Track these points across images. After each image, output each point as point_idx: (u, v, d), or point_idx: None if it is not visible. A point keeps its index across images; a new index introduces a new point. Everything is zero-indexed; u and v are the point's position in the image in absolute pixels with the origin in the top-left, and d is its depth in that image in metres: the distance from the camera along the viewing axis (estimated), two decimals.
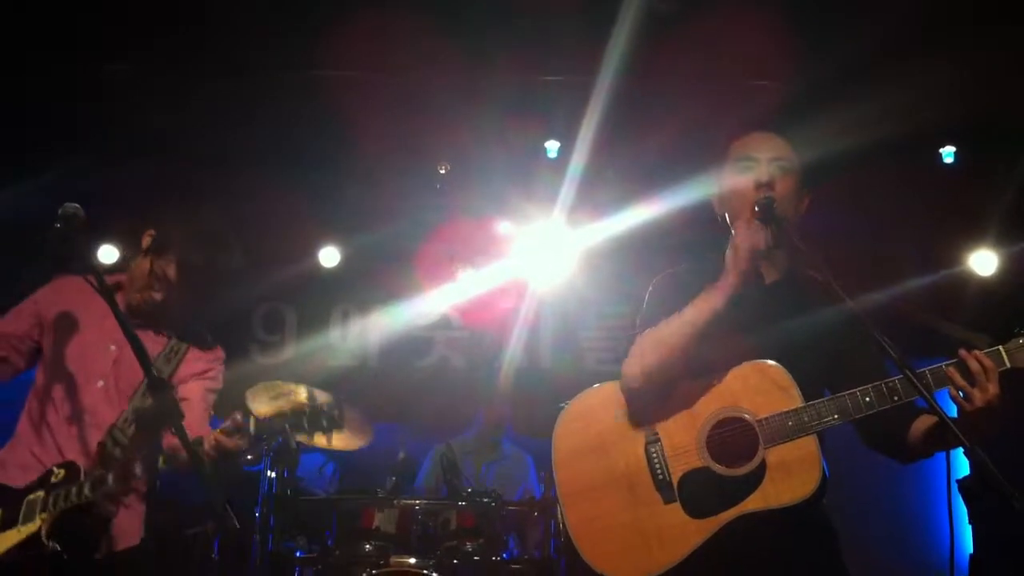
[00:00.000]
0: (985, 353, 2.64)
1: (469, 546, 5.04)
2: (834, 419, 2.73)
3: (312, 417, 3.24)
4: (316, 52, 5.79)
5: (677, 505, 2.79)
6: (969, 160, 6.65)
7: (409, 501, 5.24)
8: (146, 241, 3.51)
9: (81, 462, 3.30)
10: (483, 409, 6.76)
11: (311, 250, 7.40)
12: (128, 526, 3.42)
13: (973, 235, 6.89)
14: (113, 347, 3.48)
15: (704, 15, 5.32)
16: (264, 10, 5.47)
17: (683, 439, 2.85)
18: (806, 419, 2.74)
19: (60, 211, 3.16)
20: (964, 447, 2.40)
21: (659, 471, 2.84)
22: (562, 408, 3.05)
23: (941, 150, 6.66)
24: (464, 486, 5.44)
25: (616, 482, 2.88)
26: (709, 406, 2.86)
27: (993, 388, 2.60)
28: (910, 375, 2.55)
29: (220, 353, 3.72)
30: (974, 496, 5.52)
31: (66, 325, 3.50)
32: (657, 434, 2.88)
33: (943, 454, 2.85)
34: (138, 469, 3.17)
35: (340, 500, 5.52)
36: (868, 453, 2.99)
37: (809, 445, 2.74)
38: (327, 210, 7.22)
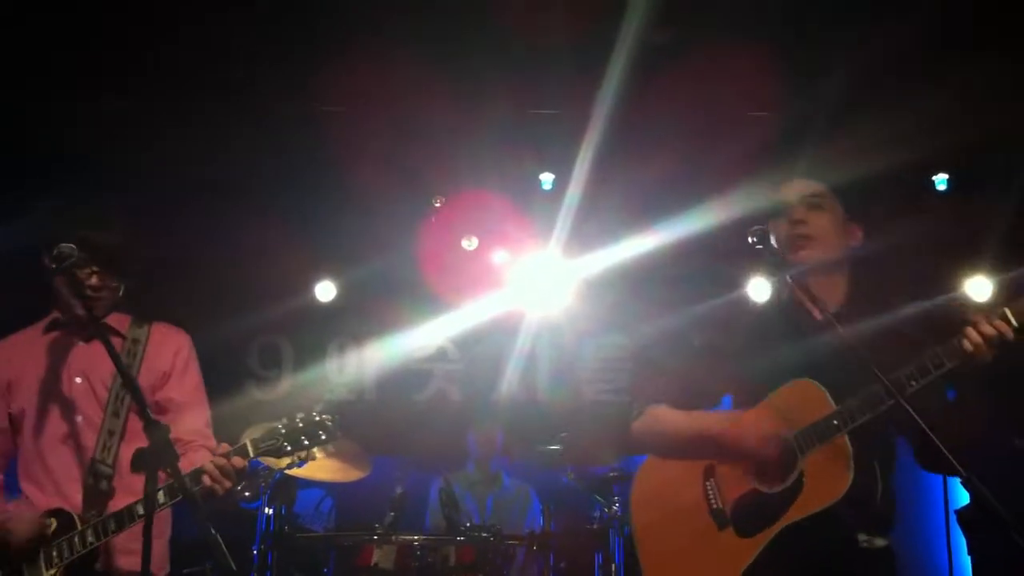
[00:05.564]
0: (994, 320, 2.76)
1: None
2: (864, 415, 2.83)
3: (308, 429, 3.21)
4: (311, 86, 5.82)
5: (730, 529, 2.99)
6: (963, 187, 6.67)
7: (408, 537, 5.22)
8: (48, 262, 3.37)
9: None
10: (472, 435, 6.76)
11: (307, 284, 7.39)
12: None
13: (968, 261, 6.89)
14: (79, 379, 3.47)
15: (697, 48, 5.35)
16: (259, 43, 5.50)
17: (735, 465, 3.03)
18: (835, 422, 2.86)
19: (55, 251, 3.17)
20: (961, 477, 2.45)
21: (713, 500, 3.05)
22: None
23: (934, 177, 6.68)
24: (462, 521, 5.42)
25: (679, 520, 3.11)
26: (756, 427, 3.01)
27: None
28: (895, 392, 2.70)
29: (182, 337, 3.66)
30: (973, 527, 5.47)
31: (24, 379, 3.48)
32: (714, 466, 3.10)
33: (941, 486, 2.90)
34: (139, 508, 3.16)
35: (338, 537, 5.49)
36: None
37: (840, 446, 2.85)
38: (322, 244, 7.22)
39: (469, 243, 7.33)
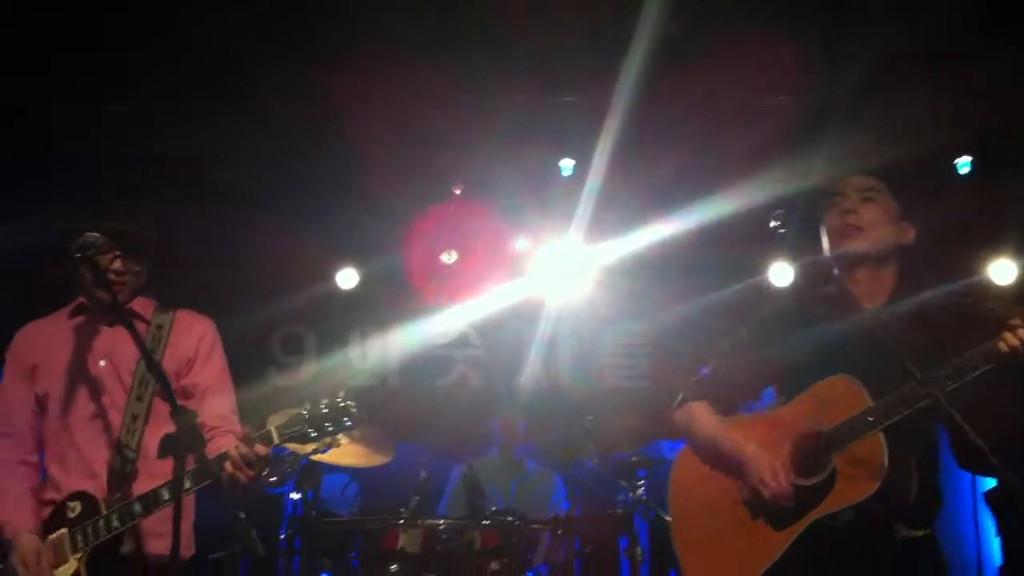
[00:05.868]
0: None
1: (494, 565, 5.04)
2: (899, 412, 2.85)
3: (332, 415, 3.17)
4: (329, 76, 5.82)
5: (762, 520, 3.04)
6: (986, 170, 6.64)
7: (433, 521, 5.25)
8: (72, 251, 3.29)
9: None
10: (496, 422, 6.80)
11: (328, 272, 7.42)
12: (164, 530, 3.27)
13: (991, 244, 6.86)
14: (103, 362, 3.48)
15: (717, 35, 5.35)
16: (279, 38, 5.52)
17: (772, 458, 3.06)
18: (870, 418, 2.89)
19: (80, 241, 3.18)
20: (997, 475, 2.46)
21: (746, 490, 3.09)
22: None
23: (957, 161, 6.65)
24: (487, 506, 5.45)
25: (713, 508, 3.17)
26: (793, 424, 3.07)
27: None
28: (937, 394, 2.69)
29: (206, 323, 3.66)
30: (1001, 509, 5.45)
31: (49, 362, 3.50)
32: None
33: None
34: (164, 492, 3.18)
35: (364, 521, 5.53)
36: None
37: (875, 442, 2.87)
38: (343, 232, 7.24)
39: (448, 257, 7.34)
